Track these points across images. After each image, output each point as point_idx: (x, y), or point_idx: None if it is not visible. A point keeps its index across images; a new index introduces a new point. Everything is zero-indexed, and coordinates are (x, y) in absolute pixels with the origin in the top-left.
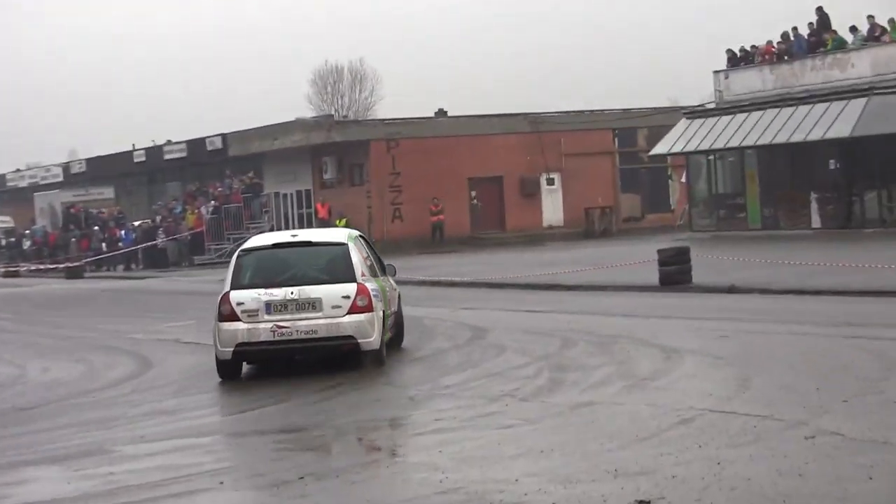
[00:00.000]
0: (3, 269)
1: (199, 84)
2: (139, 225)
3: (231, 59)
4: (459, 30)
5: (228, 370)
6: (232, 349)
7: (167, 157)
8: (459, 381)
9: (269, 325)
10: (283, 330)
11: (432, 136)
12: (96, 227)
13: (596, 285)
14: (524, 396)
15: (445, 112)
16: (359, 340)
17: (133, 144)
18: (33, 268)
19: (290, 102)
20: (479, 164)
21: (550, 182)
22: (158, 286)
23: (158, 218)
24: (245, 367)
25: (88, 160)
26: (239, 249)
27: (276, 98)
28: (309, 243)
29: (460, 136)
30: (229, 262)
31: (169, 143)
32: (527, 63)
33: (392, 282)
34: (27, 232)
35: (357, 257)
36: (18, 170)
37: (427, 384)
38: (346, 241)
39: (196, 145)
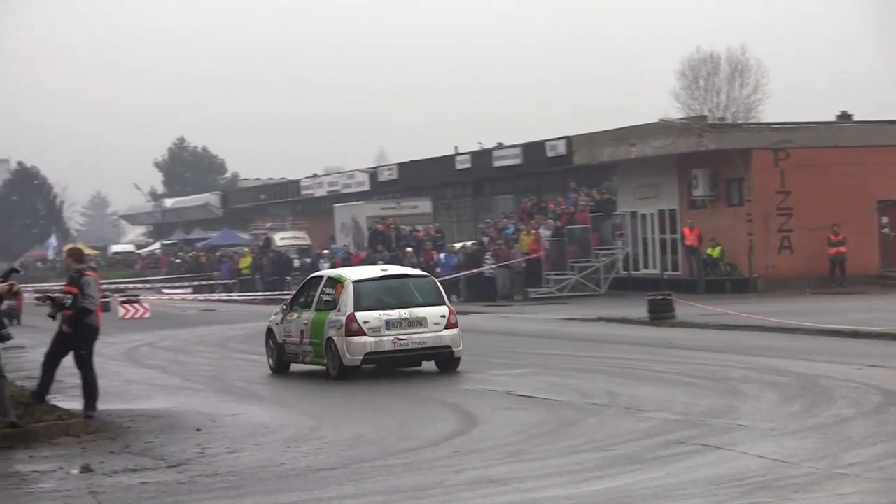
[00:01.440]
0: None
1: (536, 74)
2: (461, 247)
3: (577, 43)
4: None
5: (350, 374)
6: (361, 357)
7: (497, 163)
8: (866, 459)
9: (391, 338)
10: (402, 342)
11: (832, 147)
12: (409, 249)
13: None
14: None
15: (850, 116)
16: (453, 349)
17: (455, 147)
18: None
19: (653, 100)
20: (894, 182)
21: None
22: (485, 324)
23: (485, 239)
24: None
25: (401, 165)
26: (353, 280)
27: (635, 94)
28: (406, 275)
29: (869, 148)
30: (311, 284)
31: (500, 146)
32: None
33: None
34: (325, 252)
35: (440, 286)
36: (315, 175)
37: (824, 460)
38: (423, 273)
39: (533, 150)
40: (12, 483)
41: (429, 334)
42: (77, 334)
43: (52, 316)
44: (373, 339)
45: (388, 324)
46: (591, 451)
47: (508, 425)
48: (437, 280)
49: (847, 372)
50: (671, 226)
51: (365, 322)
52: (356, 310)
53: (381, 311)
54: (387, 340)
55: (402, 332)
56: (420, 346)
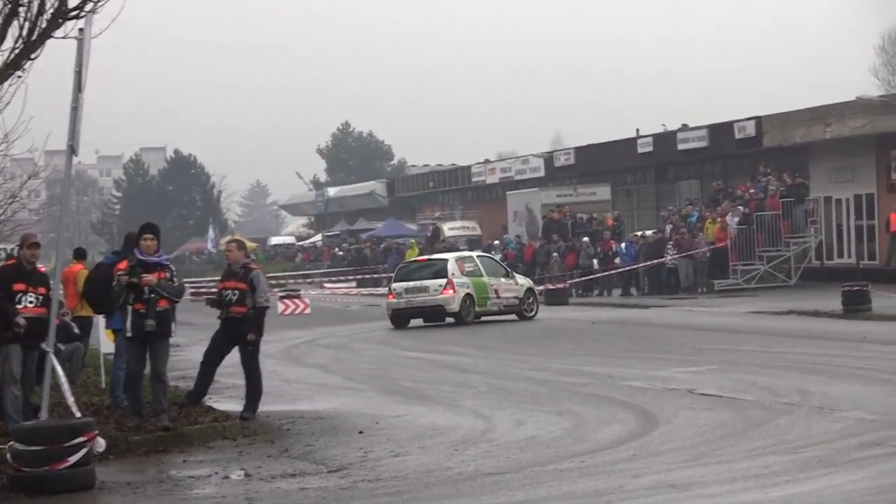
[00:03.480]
0: None
1: (724, 52)
2: (642, 236)
3: (767, 20)
4: None
5: (393, 323)
6: (391, 312)
7: (681, 146)
8: None
9: (405, 300)
10: (411, 302)
11: None
12: (586, 239)
13: None
14: None
15: None
16: (444, 307)
17: (637, 130)
18: None
19: (849, 77)
20: None
21: None
22: (666, 318)
23: (668, 227)
24: None
25: (578, 150)
26: (398, 265)
27: (830, 72)
28: (430, 259)
29: None
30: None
31: (684, 128)
32: None
33: (518, 279)
34: (496, 242)
35: (452, 266)
36: (487, 161)
37: None
38: (448, 258)
39: (720, 132)
40: (165, 489)
41: (428, 297)
42: (243, 332)
43: (221, 317)
44: (395, 300)
45: (406, 290)
46: (780, 454)
47: (691, 426)
48: (448, 261)
49: None
50: (868, 212)
51: (394, 290)
52: (394, 282)
53: (405, 283)
54: (403, 301)
55: (413, 296)
56: (422, 304)
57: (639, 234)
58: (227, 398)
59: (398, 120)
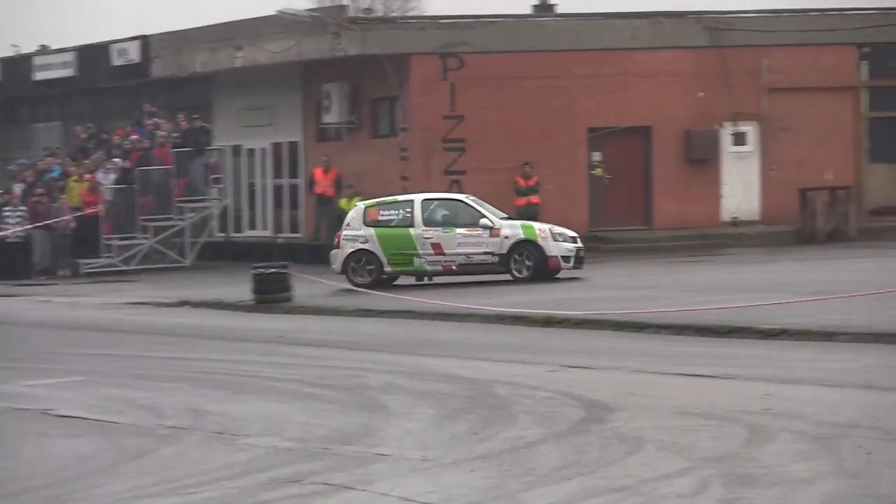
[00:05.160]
0: None
1: None
2: None
3: None
4: None
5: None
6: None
7: (39, 76)
8: (558, 499)
9: None
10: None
11: (524, 51)
12: None
13: (815, 331)
14: None
15: (551, 6)
16: (332, 265)
17: None
18: None
19: None
20: (610, 104)
21: (740, 140)
22: (14, 312)
23: (17, 188)
24: None
25: None
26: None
27: None
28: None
29: (576, 52)
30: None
31: (44, 50)
32: None
33: (503, 230)
34: None
35: (352, 215)
36: None
37: (498, 502)
38: (350, 209)
39: (92, 56)
40: None
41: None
42: None
43: None
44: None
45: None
46: (163, 496)
47: (43, 459)
48: (352, 210)
49: (535, 375)
50: (292, 167)
51: None
52: None
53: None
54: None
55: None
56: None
57: None
58: None
59: None
